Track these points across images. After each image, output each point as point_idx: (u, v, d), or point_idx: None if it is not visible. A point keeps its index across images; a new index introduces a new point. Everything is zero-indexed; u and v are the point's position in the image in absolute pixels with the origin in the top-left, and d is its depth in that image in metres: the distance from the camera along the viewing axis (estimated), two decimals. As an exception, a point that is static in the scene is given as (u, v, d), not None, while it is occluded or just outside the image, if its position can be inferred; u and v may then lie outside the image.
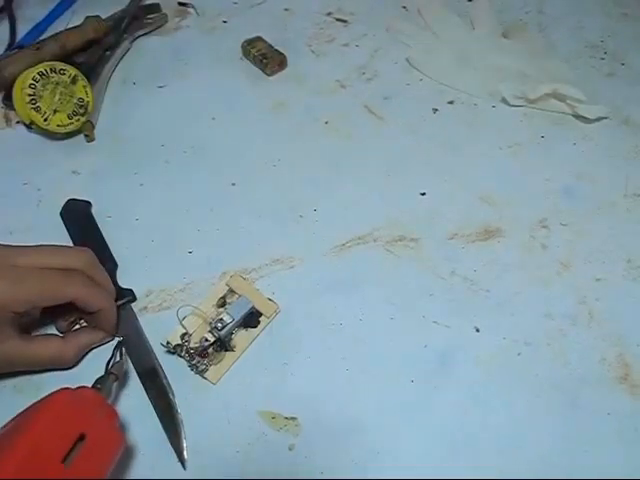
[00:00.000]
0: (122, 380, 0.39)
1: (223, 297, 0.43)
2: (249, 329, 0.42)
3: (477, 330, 0.43)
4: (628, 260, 0.46)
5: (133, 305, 0.44)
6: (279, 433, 0.38)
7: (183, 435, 0.38)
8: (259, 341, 0.42)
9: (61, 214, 0.48)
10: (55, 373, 0.40)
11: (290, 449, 0.38)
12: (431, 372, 0.41)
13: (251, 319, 0.42)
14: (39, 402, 0.33)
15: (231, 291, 0.44)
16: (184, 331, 0.41)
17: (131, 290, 0.44)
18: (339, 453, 0.37)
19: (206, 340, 0.41)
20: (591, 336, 0.42)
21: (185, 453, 0.37)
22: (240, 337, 0.42)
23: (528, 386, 0.40)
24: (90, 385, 0.36)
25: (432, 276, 0.45)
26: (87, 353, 0.41)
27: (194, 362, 0.40)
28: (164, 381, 0.40)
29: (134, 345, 0.41)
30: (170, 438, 0.38)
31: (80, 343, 0.40)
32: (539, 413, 0.39)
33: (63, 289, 0.37)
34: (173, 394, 0.39)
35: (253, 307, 0.42)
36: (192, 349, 0.41)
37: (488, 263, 0.46)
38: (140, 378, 0.40)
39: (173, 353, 0.41)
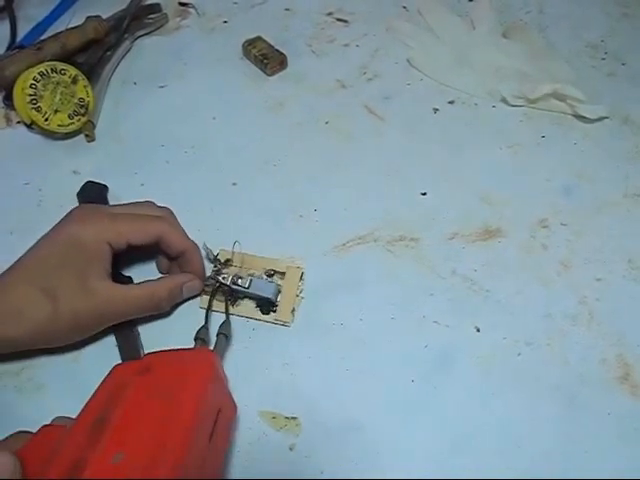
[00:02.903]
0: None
1: (274, 271, 0.44)
2: (257, 308, 0.43)
3: (477, 330, 0.43)
4: (628, 260, 0.46)
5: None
6: (280, 433, 0.38)
7: None
8: (258, 340, 0.42)
9: (78, 195, 0.49)
10: (58, 371, 0.41)
11: (291, 449, 0.38)
12: (431, 372, 0.41)
13: (264, 305, 0.43)
14: (180, 366, 0.32)
15: (283, 274, 0.44)
16: (230, 258, 0.45)
17: (130, 277, 0.44)
18: (339, 453, 0.37)
19: (223, 278, 0.43)
20: (591, 336, 0.42)
21: None
22: (245, 306, 0.43)
23: (528, 386, 0.40)
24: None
25: (432, 276, 0.45)
26: (183, 302, 0.44)
27: (210, 280, 0.44)
28: None
29: (124, 333, 0.42)
30: None
31: (172, 281, 0.42)
32: (539, 413, 0.39)
33: (150, 225, 0.41)
34: None
35: (273, 299, 0.43)
36: (219, 273, 0.44)
37: (488, 263, 0.46)
38: None
39: (211, 261, 0.45)
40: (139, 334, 0.42)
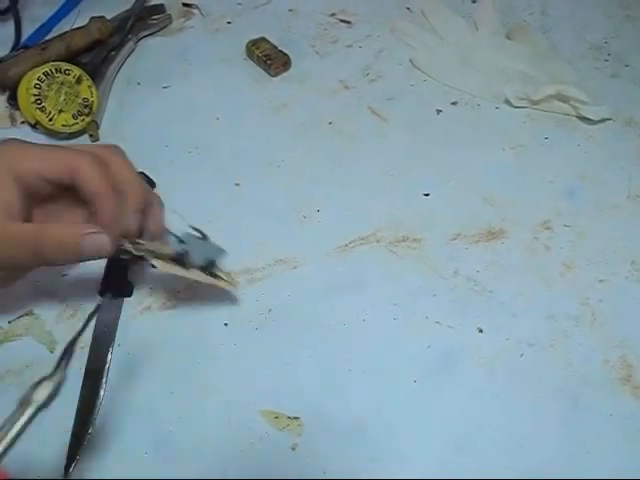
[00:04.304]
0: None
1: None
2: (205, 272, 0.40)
3: (480, 331, 0.43)
4: (632, 262, 0.46)
5: (138, 303, 0.44)
6: (282, 433, 0.38)
7: (82, 447, 0.36)
8: (261, 340, 0.42)
9: None
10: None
11: (293, 449, 0.38)
12: (434, 372, 0.41)
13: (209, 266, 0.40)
14: None
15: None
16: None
17: (131, 283, 0.44)
18: (342, 453, 0.37)
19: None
20: (594, 337, 0.42)
21: (72, 467, 0.35)
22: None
23: (531, 387, 0.40)
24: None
25: (435, 276, 0.45)
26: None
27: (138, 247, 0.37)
28: (101, 387, 0.37)
29: (100, 340, 0.39)
30: (71, 441, 0.36)
31: (66, 229, 0.35)
32: (542, 414, 0.39)
33: (66, 158, 0.35)
34: (100, 405, 0.37)
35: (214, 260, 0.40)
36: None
37: (491, 264, 0.46)
38: (85, 374, 0.38)
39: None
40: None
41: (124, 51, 0.60)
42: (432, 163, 0.52)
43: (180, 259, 0.39)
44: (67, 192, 0.37)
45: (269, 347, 0.42)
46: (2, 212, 0.34)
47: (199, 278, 0.40)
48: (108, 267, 0.40)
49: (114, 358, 0.41)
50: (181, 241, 0.39)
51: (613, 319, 0.43)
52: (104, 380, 0.39)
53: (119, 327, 0.42)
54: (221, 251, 0.41)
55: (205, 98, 0.58)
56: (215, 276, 0.41)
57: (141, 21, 0.63)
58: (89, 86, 0.53)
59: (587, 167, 0.52)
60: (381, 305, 0.44)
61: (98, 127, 0.55)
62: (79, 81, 0.53)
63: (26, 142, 0.37)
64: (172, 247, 0.39)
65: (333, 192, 0.50)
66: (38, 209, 0.37)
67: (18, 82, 0.52)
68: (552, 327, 0.43)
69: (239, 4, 0.67)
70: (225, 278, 0.41)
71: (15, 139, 0.37)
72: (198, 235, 0.40)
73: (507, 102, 0.57)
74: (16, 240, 0.34)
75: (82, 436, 0.37)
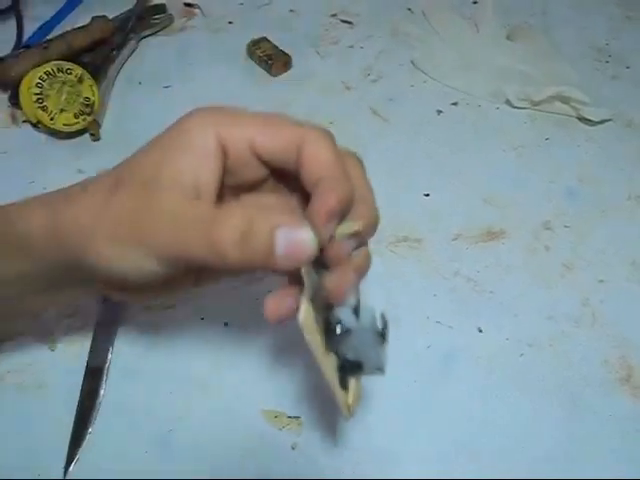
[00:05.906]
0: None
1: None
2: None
3: (480, 331, 0.43)
4: (632, 263, 0.46)
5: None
6: (282, 432, 0.38)
7: (82, 447, 0.37)
8: (261, 339, 0.42)
9: None
10: (60, 369, 0.41)
11: (293, 448, 0.38)
12: (434, 372, 0.41)
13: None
14: None
15: None
16: None
17: None
18: (341, 453, 0.37)
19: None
20: (594, 338, 0.42)
21: (72, 466, 0.36)
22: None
23: (530, 387, 0.40)
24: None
25: (436, 276, 0.45)
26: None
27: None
28: (101, 386, 0.39)
29: (101, 339, 0.41)
30: (71, 441, 0.37)
31: (258, 218, 0.25)
32: (541, 414, 0.39)
33: (290, 128, 0.26)
34: (100, 404, 0.39)
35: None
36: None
37: (492, 264, 0.46)
38: (85, 374, 0.40)
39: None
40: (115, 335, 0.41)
41: (125, 51, 0.60)
42: (433, 163, 0.53)
43: (331, 330, 0.28)
44: (269, 183, 0.28)
45: (269, 346, 0.42)
46: (188, 185, 0.25)
47: (327, 369, 0.28)
48: None
49: (114, 357, 0.41)
50: (355, 313, 0.29)
51: (613, 320, 0.43)
52: (104, 379, 0.39)
53: (119, 326, 0.42)
54: (380, 369, 0.30)
55: (206, 98, 0.57)
56: (343, 384, 0.30)
57: (142, 21, 0.63)
58: (90, 85, 0.53)
59: (587, 168, 0.52)
60: (381, 305, 0.44)
61: (99, 126, 0.55)
62: (81, 80, 0.53)
63: (236, 107, 0.28)
64: (339, 313, 0.28)
65: (334, 192, 0.50)
66: (230, 196, 0.29)
67: (20, 81, 0.52)
68: (552, 327, 0.43)
69: (240, 4, 0.67)
70: (350, 397, 0.31)
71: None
72: (378, 330, 0.29)
73: (508, 103, 0.57)
74: (190, 224, 0.25)
75: (82, 436, 0.37)
